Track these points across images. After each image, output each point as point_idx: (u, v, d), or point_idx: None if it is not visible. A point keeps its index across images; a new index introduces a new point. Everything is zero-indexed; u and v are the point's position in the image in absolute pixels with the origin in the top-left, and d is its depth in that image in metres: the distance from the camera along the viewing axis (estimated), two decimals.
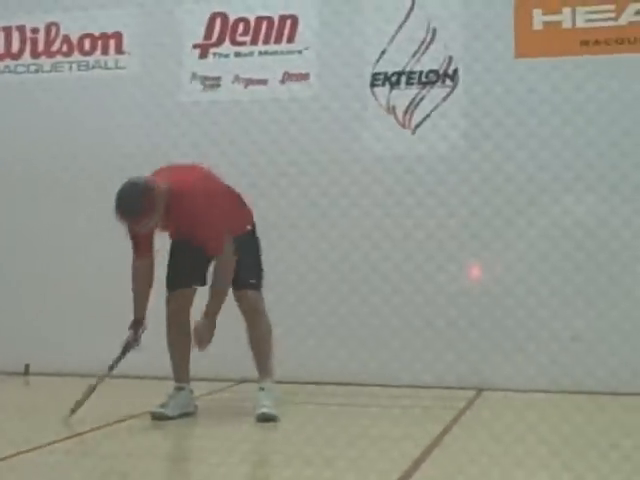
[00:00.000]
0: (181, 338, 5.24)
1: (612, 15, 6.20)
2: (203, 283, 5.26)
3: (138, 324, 5.21)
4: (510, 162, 6.27)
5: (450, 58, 6.46)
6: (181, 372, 5.27)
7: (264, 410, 5.08)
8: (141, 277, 5.19)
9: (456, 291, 6.31)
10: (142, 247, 5.15)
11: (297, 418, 5.21)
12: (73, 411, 5.03)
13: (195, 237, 5.02)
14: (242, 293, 5.25)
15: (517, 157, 6.26)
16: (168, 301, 5.26)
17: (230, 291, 5.19)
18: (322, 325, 6.46)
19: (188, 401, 5.23)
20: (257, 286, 5.32)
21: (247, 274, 5.25)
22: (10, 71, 7.18)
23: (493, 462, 4.07)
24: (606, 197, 6.11)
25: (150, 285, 5.21)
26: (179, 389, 5.23)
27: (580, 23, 6.24)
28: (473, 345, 6.24)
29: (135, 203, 4.79)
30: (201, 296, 5.18)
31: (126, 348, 5.19)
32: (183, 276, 5.26)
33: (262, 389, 5.22)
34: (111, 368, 5.16)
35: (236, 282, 5.19)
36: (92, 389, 5.10)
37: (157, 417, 5.07)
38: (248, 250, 5.27)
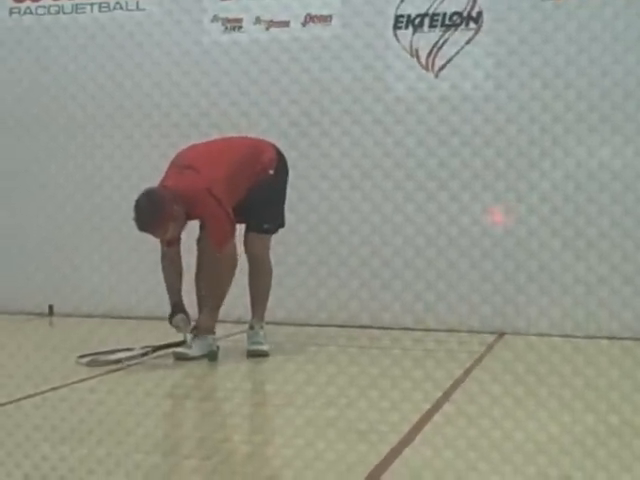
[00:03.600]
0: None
1: None
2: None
3: (176, 311, 5.22)
4: (535, 102, 6.18)
5: (474, 0, 6.35)
6: None
7: (255, 347, 5.29)
8: (170, 263, 5.26)
9: (480, 233, 6.27)
10: (172, 241, 5.23)
11: (318, 358, 5.28)
12: (82, 356, 5.03)
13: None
14: (251, 236, 5.33)
15: (542, 97, 6.17)
16: (199, 241, 5.38)
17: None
18: (344, 266, 6.48)
19: (210, 341, 5.26)
20: (269, 230, 5.38)
21: (262, 219, 5.33)
22: (31, 12, 7.13)
23: (514, 404, 4.06)
24: (632, 138, 6.03)
25: (180, 271, 5.28)
26: None
27: None
28: (496, 288, 6.20)
29: (148, 219, 5.00)
30: None
31: (171, 344, 5.20)
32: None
33: (252, 327, 5.38)
34: (144, 354, 5.12)
35: (248, 224, 5.29)
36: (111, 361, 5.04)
37: (181, 357, 5.13)
38: (267, 194, 5.33)
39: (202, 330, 5.22)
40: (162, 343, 5.21)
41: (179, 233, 5.21)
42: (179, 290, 5.27)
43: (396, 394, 4.29)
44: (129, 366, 4.93)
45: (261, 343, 5.35)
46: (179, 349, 5.17)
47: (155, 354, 5.13)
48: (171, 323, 5.22)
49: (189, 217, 5.15)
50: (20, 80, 7.09)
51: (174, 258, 5.28)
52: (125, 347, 5.15)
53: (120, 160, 6.84)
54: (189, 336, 5.20)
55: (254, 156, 5.36)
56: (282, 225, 5.49)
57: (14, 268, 7.01)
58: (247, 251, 5.36)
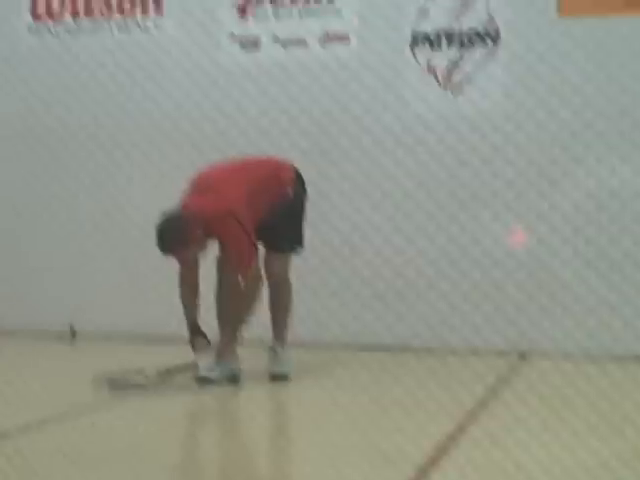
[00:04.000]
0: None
1: None
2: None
3: (194, 333, 5.23)
4: (554, 120, 6.17)
5: (491, 17, 6.36)
6: None
7: (277, 370, 5.29)
8: (188, 284, 5.26)
9: (502, 253, 6.26)
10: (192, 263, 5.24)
11: (334, 383, 5.26)
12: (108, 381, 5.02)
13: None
14: (271, 257, 5.33)
15: (561, 115, 6.15)
16: (219, 262, 5.36)
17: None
18: (367, 287, 6.47)
19: (233, 365, 5.24)
20: (289, 251, 5.40)
21: (281, 239, 5.34)
22: (50, 32, 7.18)
23: (540, 426, 4.06)
24: None
25: (197, 292, 5.28)
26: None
27: None
28: (519, 308, 6.18)
29: (170, 243, 5.00)
30: None
31: (188, 367, 5.19)
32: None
33: (274, 349, 5.37)
34: (167, 373, 5.13)
35: (268, 245, 5.29)
36: (133, 384, 5.04)
37: (203, 380, 5.12)
38: (286, 214, 5.34)
39: (222, 355, 5.21)
40: (180, 364, 5.20)
41: (199, 255, 5.24)
42: (196, 312, 5.27)
43: (420, 416, 4.29)
44: (149, 388, 4.93)
45: (283, 365, 5.34)
46: (202, 372, 5.16)
47: (174, 376, 5.13)
48: (192, 346, 5.22)
49: (209, 238, 5.16)
50: (39, 99, 7.11)
51: (192, 279, 5.28)
52: (144, 368, 5.14)
53: (140, 179, 6.86)
54: (208, 359, 5.19)
55: (273, 176, 5.37)
56: (301, 245, 5.48)
57: (36, 287, 7.03)
58: (267, 271, 5.34)
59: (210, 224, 5.03)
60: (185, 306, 5.27)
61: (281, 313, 5.43)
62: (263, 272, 5.32)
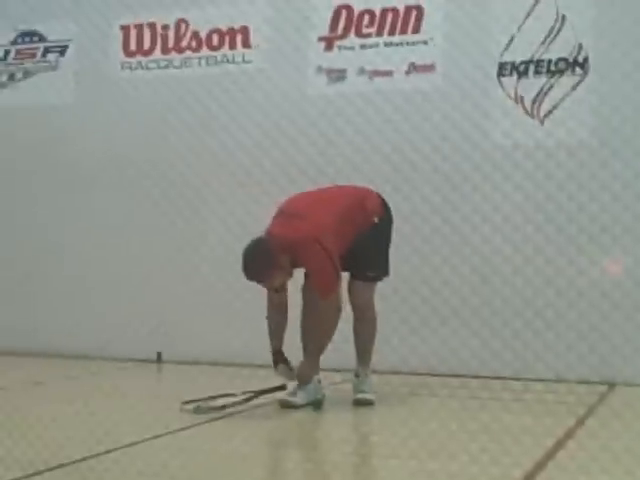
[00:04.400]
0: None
1: None
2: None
3: (277, 355, 5.27)
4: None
5: (580, 45, 6.29)
6: None
7: (361, 395, 5.28)
8: (276, 310, 5.31)
9: (587, 284, 6.17)
10: (279, 290, 5.28)
11: (420, 409, 5.24)
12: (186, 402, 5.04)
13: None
14: (355, 283, 5.33)
15: None
16: (304, 290, 5.32)
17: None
18: (455, 316, 6.45)
19: (316, 389, 5.26)
20: (373, 278, 5.38)
21: (365, 266, 5.32)
22: (142, 67, 7.37)
23: (630, 456, 3.94)
24: None
25: (285, 319, 5.32)
26: None
27: None
28: (604, 337, 6.08)
29: (256, 268, 5.06)
30: None
31: (273, 389, 5.23)
32: None
33: (358, 376, 5.37)
34: (248, 400, 5.12)
35: (352, 272, 5.29)
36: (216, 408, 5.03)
37: (286, 405, 5.13)
38: (371, 242, 5.32)
39: (301, 379, 5.22)
40: (265, 388, 5.23)
41: (286, 281, 5.26)
42: (281, 338, 5.30)
43: (507, 444, 4.21)
44: (233, 412, 4.95)
45: (367, 392, 5.32)
46: (285, 397, 5.17)
47: (258, 399, 5.14)
48: (276, 371, 5.24)
49: (294, 265, 5.18)
50: (127, 133, 7.30)
51: (280, 305, 5.31)
52: (228, 393, 5.16)
53: (230, 206, 6.93)
54: (292, 384, 5.21)
55: (359, 204, 5.37)
56: (387, 274, 5.46)
57: (124, 316, 7.15)
58: (351, 299, 5.35)
59: (295, 249, 5.04)
60: (271, 330, 5.31)
61: (365, 340, 5.42)
62: (348, 299, 5.33)
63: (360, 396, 5.30)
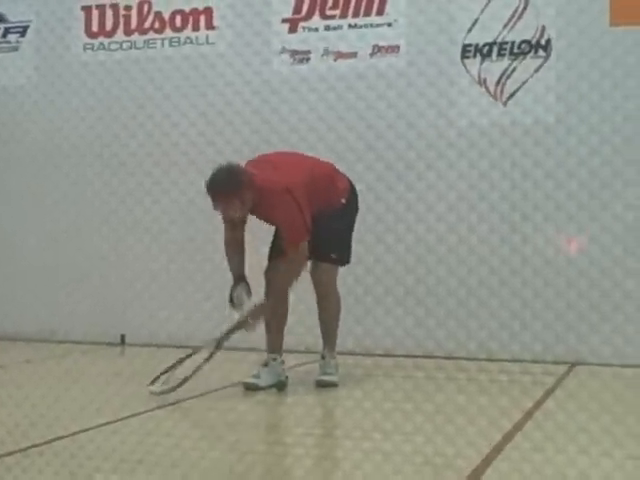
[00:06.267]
0: (279, 310, 5.31)
1: None
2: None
3: (237, 281, 5.19)
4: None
5: (543, 28, 6.32)
6: (275, 343, 5.34)
7: (324, 377, 5.32)
8: (232, 243, 5.27)
9: (542, 263, 6.22)
10: (234, 228, 5.25)
11: (375, 391, 5.26)
12: (153, 382, 5.03)
13: (276, 227, 5.23)
14: (318, 265, 5.33)
15: (613, 120, 6.11)
16: (267, 272, 5.33)
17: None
18: (410, 296, 6.46)
19: (279, 372, 5.28)
20: (336, 261, 5.38)
21: (329, 248, 5.33)
22: (104, 48, 7.30)
23: (587, 437, 3.98)
24: None
25: (242, 250, 5.26)
26: (272, 360, 5.30)
27: None
28: (559, 316, 6.13)
29: (220, 186, 4.97)
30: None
31: (236, 327, 5.18)
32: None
33: (323, 357, 5.41)
34: (218, 345, 5.13)
35: (316, 254, 5.26)
36: (179, 361, 5.11)
37: (249, 387, 5.16)
38: (337, 223, 5.33)
39: (253, 314, 5.10)
40: (223, 333, 5.14)
41: (241, 219, 5.16)
42: (241, 265, 5.23)
43: (464, 424, 4.25)
44: (197, 395, 4.95)
45: (331, 374, 5.36)
46: (249, 380, 5.19)
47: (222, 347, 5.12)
48: (231, 298, 5.16)
49: (255, 212, 5.12)
50: (93, 114, 7.26)
51: (237, 243, 5.25)
52: (182, 357, 5.14)
53: (194, 195, 6.89)
54: (244, 313, 5.12)
55: (331, 179, 5.38)
56: (348, 261, 5.47)
57: (88, 299, 7.13)
58: (315, 281, 5.37)
59: (264, 196, 4.99)
60: (230, 263, 5.25)
61: (329, 322, 5.44)
62: (312, 281, 5.34)
63: (323, 377, 5.34)
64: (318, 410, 4.99)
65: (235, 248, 5.25)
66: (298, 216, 5.01)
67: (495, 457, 3.67)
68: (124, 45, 7.25)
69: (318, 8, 6.83)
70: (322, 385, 5.30)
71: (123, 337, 7.11)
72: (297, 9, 6.87)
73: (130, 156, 7.14)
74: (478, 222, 6.39)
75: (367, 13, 6.72)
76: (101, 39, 7.31)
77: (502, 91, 6.41)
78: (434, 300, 6.43)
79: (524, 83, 6.35)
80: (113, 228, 7.16)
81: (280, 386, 5.18)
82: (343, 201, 5.39)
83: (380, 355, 6.37)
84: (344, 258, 5.44)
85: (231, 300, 5.16)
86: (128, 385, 5.26)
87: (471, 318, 6.33)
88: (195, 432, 4.23)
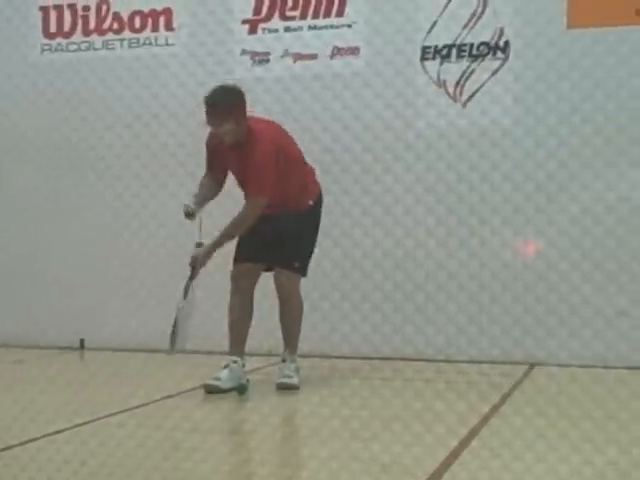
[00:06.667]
0: (242, 312, 5.33)
1: None
2: (269, 268, 5.37)
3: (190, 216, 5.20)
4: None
5: (502, 30, 6.35)
6: (237, 345, 5.34)
7: (285, 380, 5.33)
8: (206, 184, 5.33)
9: (499, 266, 6.26)
10: (214, 169, 5.32)
11: (342, 392, 5.28)
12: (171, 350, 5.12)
13: (244, 177, 5.19)
14: (281, 272, 5.35)
15: (571, 122, 6.16)
16: (233, 275, 5.35)
17: None
18: (367, 301, 6.50)
19: (241, 375, 5.27)
20: (298, 270, 5.39)
21: (293, 256, 5.35)
22: (62, 49, 7.24)
23: (543, 442, 4.01)
24: None
25: (213, 193, 5.35)
26: (233, 362, 5.29)
27: None
28: (517, 320, 6.18)
29: (221, 98, 5.09)
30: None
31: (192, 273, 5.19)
32: (252, 251, 5.31)
33: (285, 361, 5.43)
34: (185, 294, 5.18)
35: (279, 260, 5.30)
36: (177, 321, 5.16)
37: (210, 390, 5.16)
38: (303, 228, 5.36)
39: (202, 255, 5.15)
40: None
41: (228, 144, 5.15)
42: (204, 198, 5.29)
43: (420, 428, 4.26)
44: (160, 398, 4.93)
45: (291, 377, 5.36)
46: (210, 382, 5.17)
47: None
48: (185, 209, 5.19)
49: (234, 152, 5.14)
50: (50, 117, 7.17)
51: (212, 184, 5.34)
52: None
53: (146, 198, 6.87)
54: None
55: (304, 174, 5.44)
56: (305, 273, 5.46)
57: (46, 303, 7.07)
58: (277, 287, 5.39)
59: (250, 139, 5.09)
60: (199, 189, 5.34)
61: (291, 326, 5.46)
62: (275, 287, 5.35)
63: (283, 380, 5.34)
64: (278, 415, 4.98)
65: (208, 186, 5.32)
66: (271, 171, 5.09)
67: (452, 462, 3.69)
68: (82, 46, 7.19)
69: (278, 9, 6.82)
70: (283, 388, 5.31)
71: (82, 341, 7.05)
72: (257, 10, 6.86)
73: (88, 156, 7.10)
74: (436, 226, 6.42)
75: (327, 14, 6.72)
76: (59, 39, 7.24)
77: (461, 93, 6.44)
78: (391, 306, 6.46)
79: (483, 85, 6.38)
80: (77, 230, 7.09)
81: (241, 389, 5.17)
82: (310, 203, 5.42)
83: (337, 357, 6.38)
84: (305, 269, 5.45)
85: (186, 213, 5.18)
86: (84, 390, 5.23)
87: (429, 324, 6.36)
88: (151, 439, 4.20)
